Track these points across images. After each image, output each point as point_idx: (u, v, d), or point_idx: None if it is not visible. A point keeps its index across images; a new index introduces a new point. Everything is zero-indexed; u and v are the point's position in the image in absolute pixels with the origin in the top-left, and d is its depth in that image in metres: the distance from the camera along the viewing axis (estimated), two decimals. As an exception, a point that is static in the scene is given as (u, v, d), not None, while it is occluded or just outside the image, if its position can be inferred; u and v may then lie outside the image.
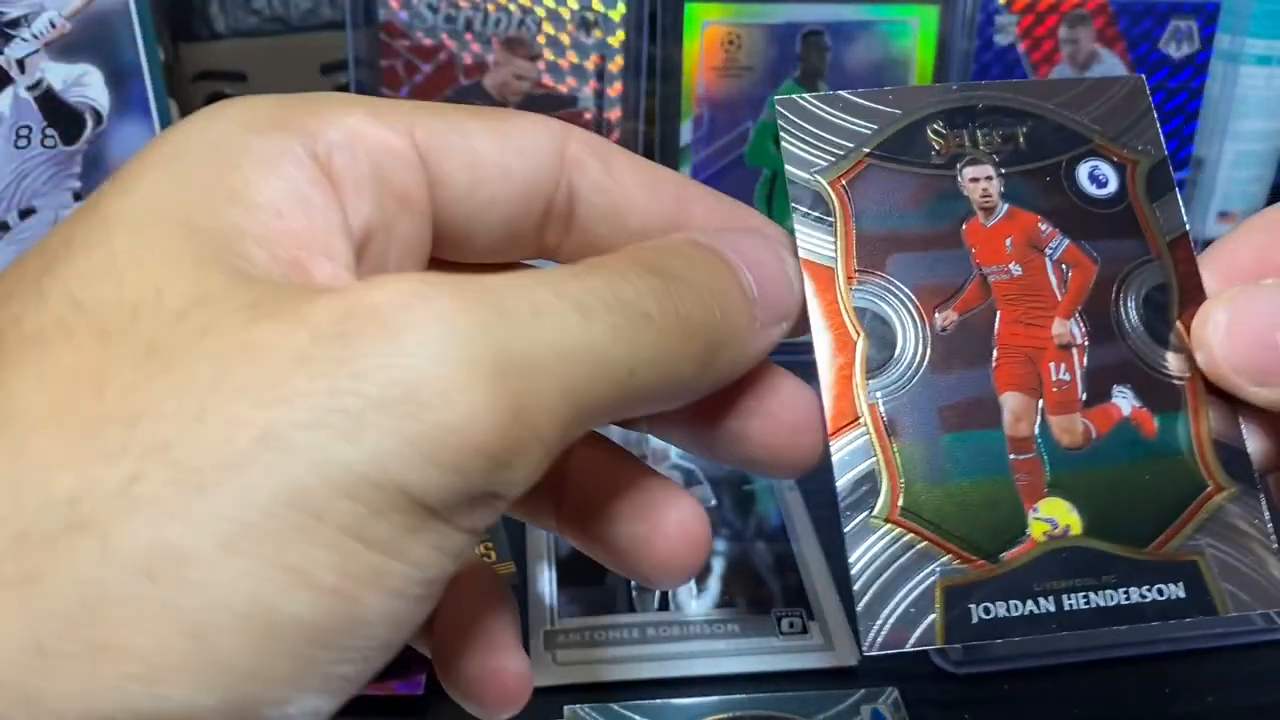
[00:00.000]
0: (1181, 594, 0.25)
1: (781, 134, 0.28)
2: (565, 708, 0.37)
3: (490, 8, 0.56)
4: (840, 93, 0.28)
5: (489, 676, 0.24)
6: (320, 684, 0.17)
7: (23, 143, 0.51)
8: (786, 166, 0.28)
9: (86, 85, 0.53)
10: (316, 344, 0.16)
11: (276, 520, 0.16)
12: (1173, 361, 0.27)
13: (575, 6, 0.56)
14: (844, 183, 0.27)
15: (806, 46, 0.55)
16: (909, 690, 0.38)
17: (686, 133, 0.56)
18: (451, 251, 0.24)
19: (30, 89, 0.51)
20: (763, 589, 0.43)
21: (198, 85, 0.57)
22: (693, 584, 0.43)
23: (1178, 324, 0.27)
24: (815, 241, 0.27)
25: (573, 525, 0.25)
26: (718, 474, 0.50)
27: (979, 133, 0.28)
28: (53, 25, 0.50)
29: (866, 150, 0.28)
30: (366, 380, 0.16)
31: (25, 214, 0.52)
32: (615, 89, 0.57)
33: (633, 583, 0.43)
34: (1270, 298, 0.25)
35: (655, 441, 0.52)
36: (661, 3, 0.54)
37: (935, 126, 0.28)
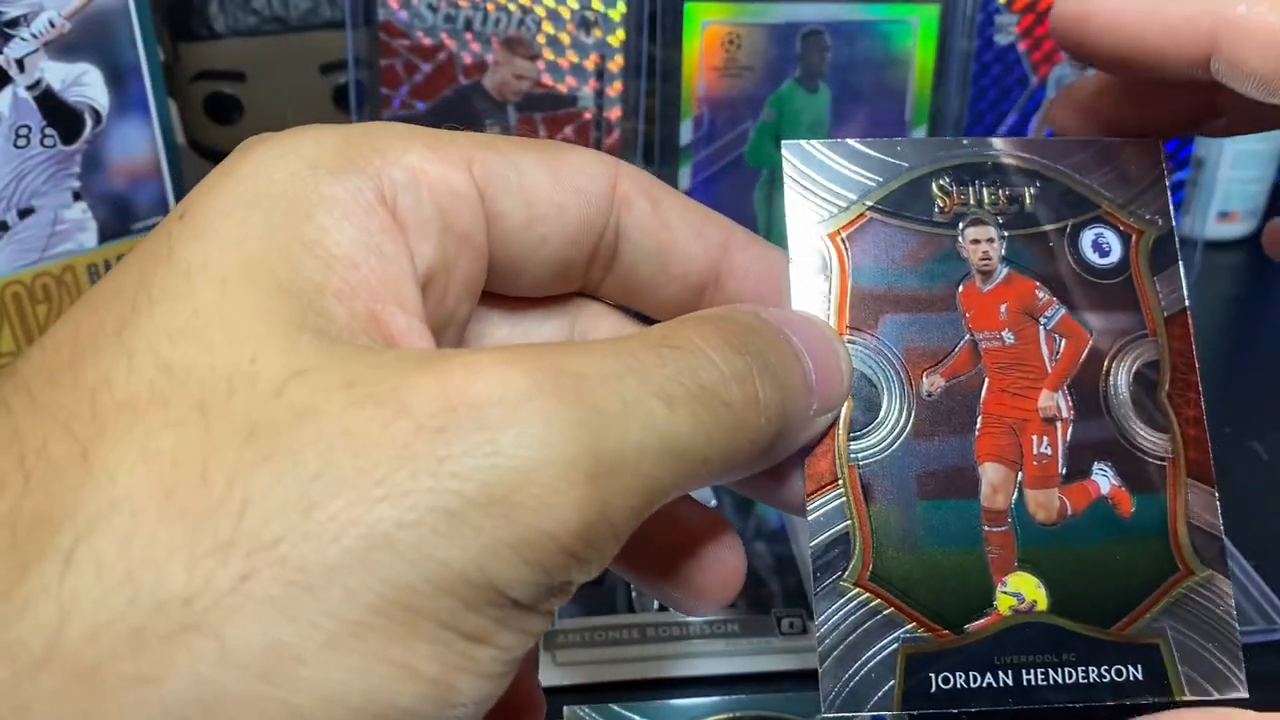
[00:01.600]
0: (1140, 676, 0.25)
1: (786, 180, 0.27)
2: (565, 708, 0.37)
3: (490, 7, 0.56)
4: (848, 141, 0.28)
5: (508, 706, 0.24)
6: None
7: (22, 142, 0.51)
8: (787, 215, 0.27)
9: (86, 85, 0.53)
10: (418, 437, 0.17)
11: (382, 617, 0.16)
12: (1157, 441, 0.27)
13: (575, 6, 0.56)
14: (843, 236, 0.27)
15: (806, 46, 0.55)
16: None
17: (686, 132, 0.56)
18: (500, 286, 0.24)
19: (29, 89, 0.51)
20: (763, 589, 0.43)
21: (197, 85, 0.57)
22: (693, 584, 0.43)
23: (1164, 402, 0.27)
24: (810, 295, 0.27)
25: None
26: (718, 474, 0.50)
27: (985, 191, 0.28)
28: (52, 25, 0.50)
29: (869, 203, 0.27)
30: (466, 481, 0.17)
31: (24, 214, 0.52)
32: (615, 88, 0.57)
33: (632, 583, 0.43)
34: None
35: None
36: (661, 2, 0.54)
37: (941, 182, 0.28)
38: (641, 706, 0.37)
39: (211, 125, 0.58)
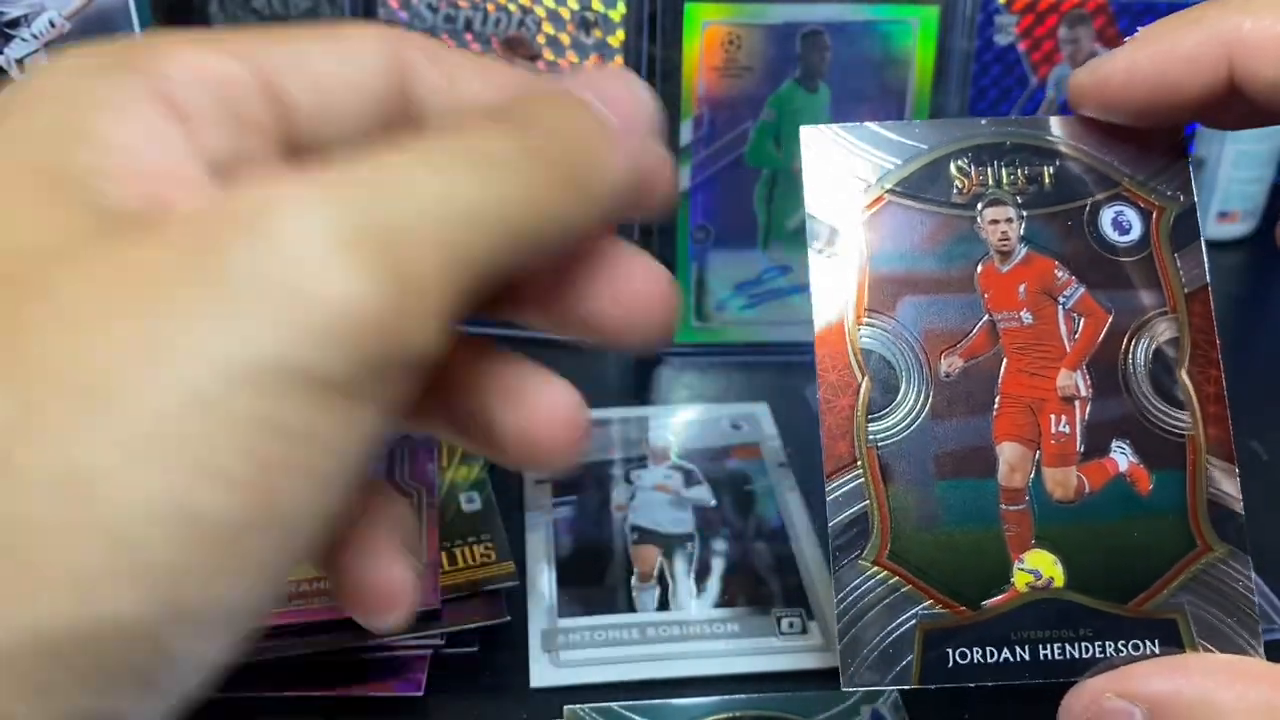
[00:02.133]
0: (1156, 650, 0.25)
1: (805, 165, 0.27)
2: (565, 707, 0.37)
3: (490, 7, 0.56)
4: (867, 124, 0.28)
5: (370, 583, 0.24)
6: (254, 573, 0.17)
7: (22, 143, 0.51)
8: (807, 200, 0.27)
9: (86, 85, 0.52)
10: (183, 255, 0.17)
11: (178, 423, 0.16)
12: (1176, 418, 0.27)
13: (575, 6, 0.56)
14: (862, 220, 0.27)
15: (806, 47, 0.55)
16: (909, 690, 0.38)
17: (687, 132, 0.56)
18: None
19: (30, 89, 0.51)
20: (763, 589, 0.43)
21: (197, 85, 0.57)
22: (693, 584, 0.43)
23: (1184, 378, 0.27)
24: (828, 279, 0.27)
25: (453, 423, 0.25)
26: (718, 475, 0.50)
27: (1004, 171, 0.28)
28: (52, 25, 0.50)
29: (888, 186, 0.27)
30: (241, 277, 0.16)
31: (25, 214, 0.52)
32: (615, 89, 0.57)
33: (633, 583, 0.43)
34: None
35: (655, 440, 0.52)
36: (661, 3, 0.54)
37: (960, 163, 0.28)
38: (641, 706, 0.37)
39: (212, 125, 0.58)
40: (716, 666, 0.40)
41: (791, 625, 0.41)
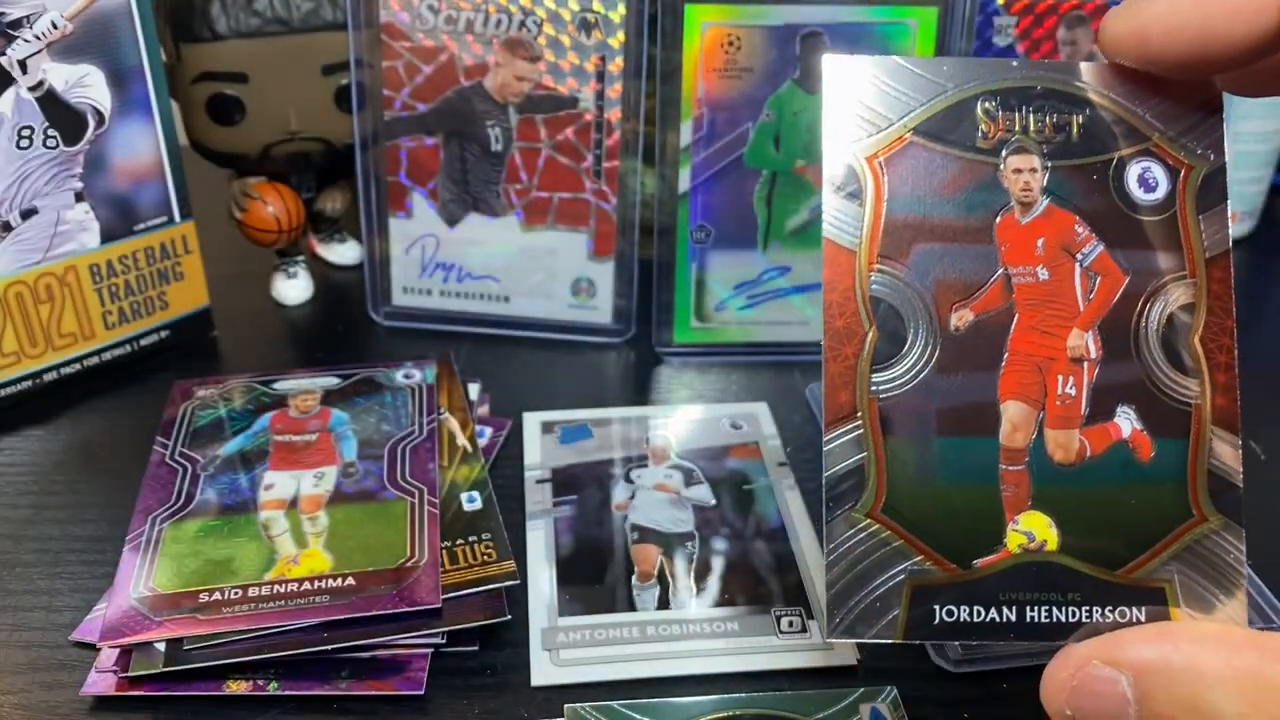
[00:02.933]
0: (1142, 618, 0.25)
1: (825, 97, 0.26)
2: (565, 706, 0.38)
3: (491, 9, 0.56)
4: (893, 57, 0.27)
5: None
6: None
7: (25, 143, 0.51)
8: (824, 132, 0.26)
9: (88, 86, 0.53)
10: None
11: None
12: (1184, 385, 0.27)
13: (576, 8, 0.56)
14: (881, 159, 0.26)
15: (806, 48, 0.55)
16: (908, 689, 0.38)
17: (687, 133, 0.56)
18: None
19: (32, 90, 0.51)
20: (762, 588, 0.43)
21: (199, 86, 0.57)
22: (692, 583, 0.43)
23: (1196, 346, 0.27)
24: (842, 221, 0.26)
25: None
26: (718, 474, 0.50)
27: (1031, 117, 0.27)
28: (54, 26, 0.50)
29: (910, 126, 0.26)
30: None
31: (27, 214, 0.52)
32: (615, 90, 0.57)
33: (633, 582, 0.43)
34: None
35: (656, 439, 0.52)
36: (661, 4, 0.54)
37: (987, 106, 0.27)
38: (641, 705, 0.38)
39: (213, 126, 0.58)
40: (716, 665, 0.40)
41: (791, 624, 0.41)
